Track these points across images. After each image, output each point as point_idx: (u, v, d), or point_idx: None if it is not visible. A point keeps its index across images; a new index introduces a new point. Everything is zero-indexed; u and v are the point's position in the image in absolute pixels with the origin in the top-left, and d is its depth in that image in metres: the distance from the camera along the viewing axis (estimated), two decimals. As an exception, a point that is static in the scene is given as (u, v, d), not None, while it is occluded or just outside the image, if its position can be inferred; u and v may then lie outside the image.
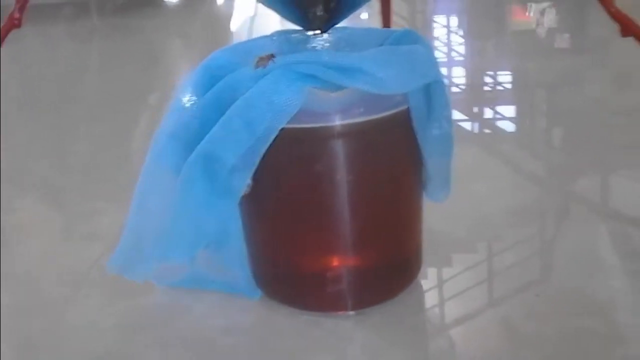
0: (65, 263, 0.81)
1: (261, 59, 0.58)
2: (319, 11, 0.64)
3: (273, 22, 1.24)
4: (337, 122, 0.60)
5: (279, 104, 0.56)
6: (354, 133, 0.60)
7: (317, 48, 0.65)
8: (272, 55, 0.58)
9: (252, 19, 2.14)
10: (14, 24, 0.69)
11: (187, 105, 0.61)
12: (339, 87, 0.57)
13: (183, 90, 0.62)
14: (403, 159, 0.65)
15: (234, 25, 2.22)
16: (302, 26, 0.65)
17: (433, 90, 0.61)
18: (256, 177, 0.61)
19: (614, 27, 0.71)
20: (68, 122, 1.37)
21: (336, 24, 0.65)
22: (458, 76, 1.68)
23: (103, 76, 1.66)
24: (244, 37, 2.03)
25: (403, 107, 0.62)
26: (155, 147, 0.63)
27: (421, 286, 0.70)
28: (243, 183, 0.61)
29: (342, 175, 0.62)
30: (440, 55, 1.83)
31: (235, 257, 0.68)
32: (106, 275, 0.70)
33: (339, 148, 0.61)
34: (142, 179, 0.65)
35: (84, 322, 0.69)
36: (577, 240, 0.79)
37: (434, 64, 0.61)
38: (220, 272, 0.69)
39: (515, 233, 0.82)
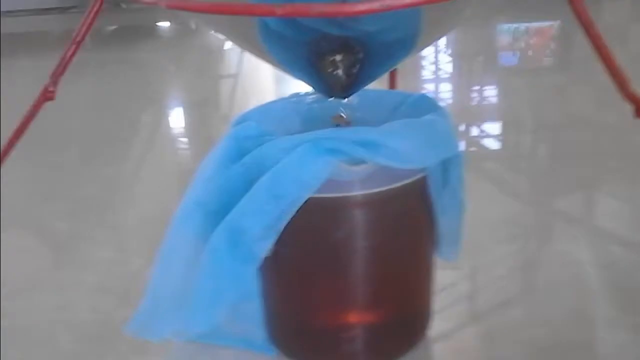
0: (76, 317, 0.80)
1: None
2: (340, 78, 0.65)
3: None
4: (358, 192, 0.62)
5: (305, 177, 0.58)
6: (373, 202, 0.63)
7: (336, 115, 0.67)
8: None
9: (243, 50, 2.14)
10: (47, 96, 0.70)
11: (215, 174, 0.62)
12: (362, 160, 0.60)
13: (210, 158, 0.64)
14: (419, 223, 0.68)
15: (226, 55, 2.23)
16: (321, 92, 0.67)
17: (450, 161, 0.64)
18: (277, 240, 0.62)
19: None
20: (70, 163, 1.33)
21: (356, 91, 0.67)
22: (444, 92, 1.71)
23: (101, 113, 1.65)
24: (234, 68, 2.06)
25: (421, 175, 0.64)
26: (181, 213, 0.64)
27: (431, 338, 0.72)
28: (265, 249, 0.62)
29: (360, 242, 0.64)
30: (428, 73, 1.87)
31: (252, 315, 0.70)
32: (119, 332, 0.71)
33: (359, 217, 0.63)
34: (166, 244, 0.66)
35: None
36: (560, 258, 0.84)
37: (452, 137, 0.64)
38: (237, 328, 0.71)
39: (500, 250, 0.85)
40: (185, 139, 1.53)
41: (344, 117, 0.64)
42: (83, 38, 0.68)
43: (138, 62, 2.16)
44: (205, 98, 1.76)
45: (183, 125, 1.63)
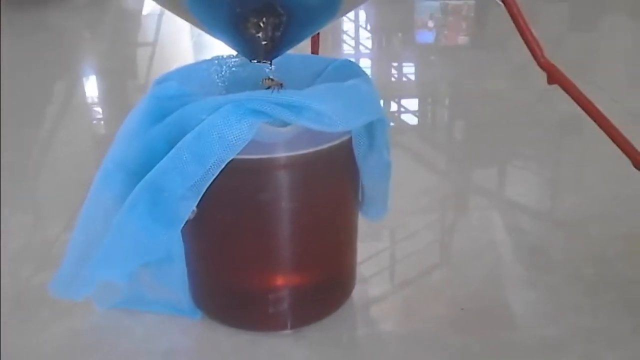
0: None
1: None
2: (263, 42, 0.65)
3: (182, 21, 1.24)
4: (283, 154, 0.62)
5: (229, 138, 0.58)
6: (298, 164, 0.63)
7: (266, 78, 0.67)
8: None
9: (161, 15, 2.10)
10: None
11: (135, 135, 0.61)
12: (286, 123, 0.60)
13: (131, 119, 0.62)
14: (343, 184, 0.68)
15: (143, 20, 2.17)
16: (245, 55, 0.67)
17: (375, 124, 0.65)
18: (201, 202, 0.62)
19: (511, 25, 0.77)
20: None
21: (279, 54, 0.66)
22: (365, 68, 1.73)
23: (12, 79, 1.58)
24: (151, 36, 2.01)
25: (345, 137, 0.65)
26: (101, 174, 0.63)
27: (356, 301, 0.74)
28: (189, 211, 0.62)
29: (285, 204, 0.64)
30: (348, 48, 1.88)
31: (176, 279, 0.69)
32: (40, 297, 0.70)
33: (284, 178, 0.64)
34: (86, 205, 0.64)
35: (22, 347, 0.68)
36: (476, 225, 0.88)
37: (376, 101, 0.64)
38: (161, 293, 0.70)
39: (420, 219, 0.89)
40: (100, 108, 1.49)
41: (274, 79, 0.63)
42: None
43: (51, 26, 2.08)
44: (121, 66, 1.71)
45: (98, 93, 1.58)
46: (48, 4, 2.27)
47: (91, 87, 1.63)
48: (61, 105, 1.45)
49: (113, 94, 1.56)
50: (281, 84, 0.62)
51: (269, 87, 0.61)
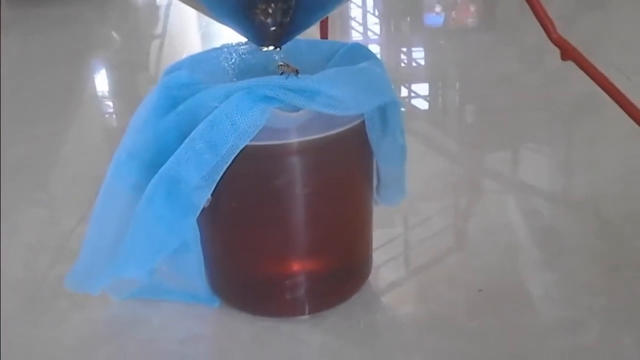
0: (12, 276, 0.78)
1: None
2: (272, 27, 0.65)
3: (190, 11, 1.23)
4: (295, 139, 0.62)
5: (241, 125, 0.58)
6: (311, 149, 0.63)
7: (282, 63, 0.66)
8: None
9: (168, 7, 2.10)
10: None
11: (147, 125, 0.61)
12: (298, 108, 0.59)
13: (142, 109, 0.62)
14: (357, 169, 0.68)
15: (152, 12, 2.17)
16: (254, 42, 0.66)
17: (388, 107, 0.64)
18: (216, 190, 0.62)
19: (521, 6, 0.75)
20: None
21: (288, 40, 0.66)
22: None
23: (25, 73, 1.60)
24: (161, 25, 2.01)
25: (358, 121, 0.65)
26: (115, 165, 0.63)
27: (372, 286, 0.74)
28: (204, 199, 0.62)
29: (299, 189, 0.64)
30: (356, 35, 1.88)
31: (193, 267, 0.69)
32: (57, 289, 0.70)
33: (297, 164, 0.64)
34: (101, 196, 0.65)
35: (42, 339, 0.68)
36: (489, 209, 0.88)
37: (388, 83, 0.64)
38: (178, 282, 0.71)
39: (433, 205, 0.88)
40: (112, 100, 1.49)
41: (290, 65, 0.63)
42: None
43: (62, 19, 2.08)
44: (131, 58, 1.71)
45: (109, 86, 1.59)
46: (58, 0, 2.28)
47: (102, 81, 1.63)
48: (73, 99, 1.46)
49: (124, 87, 1.57)
50: (297, 70, 0.61)
51: (282, 73, 0.61)
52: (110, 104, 1.48)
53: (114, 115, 1.40)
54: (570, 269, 0.75)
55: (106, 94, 1.53)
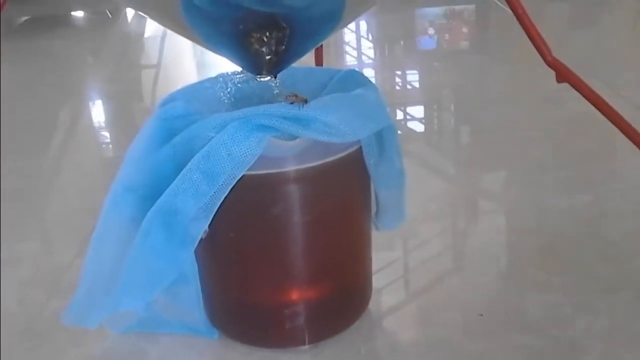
0: (7, 311, 0.77)
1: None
2: (267, 56, 0.65)
3: (185, 41, 1.23)
4: (292, 167, 0.62)
5: (238, 155, 0.58)
6: (308, 177, 0.62)
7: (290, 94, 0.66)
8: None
9: (163, 37, 2.11)
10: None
11: (143, 157, 0.61)
12: (294, 136, 0.59)
13: (138, 141, 0.62)
14: (355, 195, 0.68)
15: (146, 43, 2.18)
16: (250, 71, 0.67)
17: (384, 132, 0.64)
18: (213, 221, 0.61)
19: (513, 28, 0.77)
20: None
21: (284, 68, 0.66)
22: (368, 77, 1.72)
23: (17, 105, 1.59)
24: (155, 58, 2.02)
25: (355, 147, 0.64)
26: (112, 198, 0.63)
27: (372, 311, 0.73)
28: (201, 231, 0.61)
29: (297, 217, 0.64)
30: (350, 59, 1.89)
31: (191, 299, 0.68)
32: (53, 324, 0.69)
33: (294, 192, 0.63)
34: (98, 230, 0.64)
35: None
36: (486, 229, 0.88)
37: (383, 109, 0.64)
38: (176, 314, 0.70)
39: (431, 226, 0.89)
40: (107, 131, 1.49)
41: (298, 95, 0.62)
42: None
43: (54, 52, 2.09)
44: (126, 89, 1.71)
45: (104, 117, 1.59)
46: (48, 32, 2.29)
47: (97, 112, 1.63)
48: (67, 130, 1.46)
49: (119, 117, 1.57)
50: (305, 100, 0.60)
51: (292, 103, 0.60)
52: (106, 134, 1.48)
53: (110, 146, 1.40)
54: (569, 288, 0.74)
55: (102, 124, 1.53)
